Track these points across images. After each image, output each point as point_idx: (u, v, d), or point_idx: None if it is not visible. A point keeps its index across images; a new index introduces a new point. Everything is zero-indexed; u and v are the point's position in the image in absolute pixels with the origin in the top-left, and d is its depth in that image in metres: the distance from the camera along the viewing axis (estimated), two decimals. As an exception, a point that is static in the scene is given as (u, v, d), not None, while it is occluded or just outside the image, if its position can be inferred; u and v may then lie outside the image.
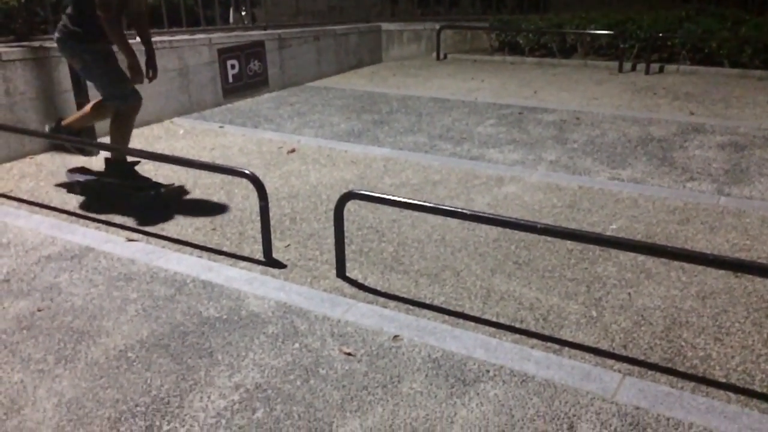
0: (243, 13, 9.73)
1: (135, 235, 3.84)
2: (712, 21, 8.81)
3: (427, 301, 3.12)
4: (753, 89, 7.48)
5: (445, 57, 10.14)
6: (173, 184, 4.61)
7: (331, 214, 3.33)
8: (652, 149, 5.38)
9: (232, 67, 7.42)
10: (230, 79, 7.41)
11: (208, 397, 2.43)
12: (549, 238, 3.64)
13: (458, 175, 4.87)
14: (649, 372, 2.57)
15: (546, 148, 5.52)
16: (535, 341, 2.79)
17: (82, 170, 4.66)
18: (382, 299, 3.14)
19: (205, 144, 5.76)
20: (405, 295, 3.17)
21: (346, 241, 3.42)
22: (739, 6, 9.88)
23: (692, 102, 6.94)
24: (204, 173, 4.81)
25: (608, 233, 3.80)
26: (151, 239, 3.80)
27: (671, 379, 2.52)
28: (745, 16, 8.95)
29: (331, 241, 3.41)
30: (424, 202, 3.48)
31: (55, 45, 4.37)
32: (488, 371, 2.58)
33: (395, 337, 2.81)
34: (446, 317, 2.99)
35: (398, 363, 2.63)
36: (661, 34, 8.72)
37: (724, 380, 2.51)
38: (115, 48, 4.16)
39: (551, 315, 2.98)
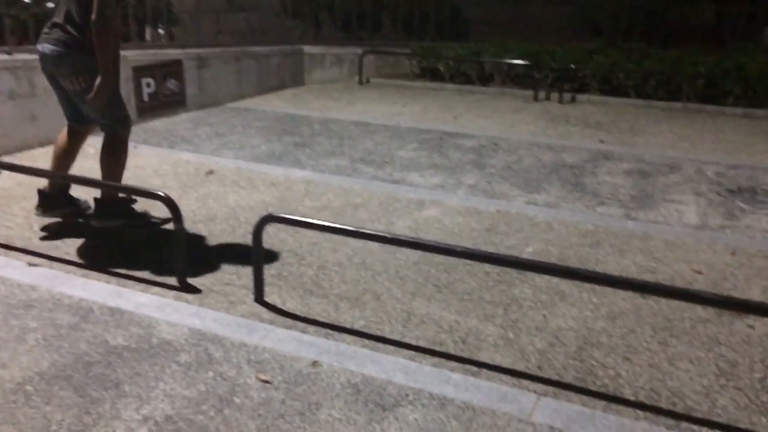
0: (160, 31, 9.51)
1: (37, 260, 3.63)
2: (619, 54, 9.29)
3: (347, 326, 3.09)
4: (657, 119, 7.91)
5: (368, 81, 10.23)
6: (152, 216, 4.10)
7: (250, 237, 3.26)
8: (565, 175, 5.58)
9: (148, 85, 7.21)
10: (145, 98, 7.19)
11: None
12: (468, 261, 3.68)
13: (379, 199, 4.89)
14: (563, 392, 2.62)
15: (465, 172, 5.62)
16: (454, 364, 2.80)
17: (56, 200, 3.97)
18: (301, 324, 3.09)
19: (118, 164, 5.54)
20: (325, 320, 3.13)
21: (264, 264, 3.35)
22: (643, 40, 10.46)
23: (602, 130, 7.27)
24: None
25: (524, 256, 3.89)
26: (55, 264, 3.60)
27: (584, 398, 2.59)
28: (649, 50, 9.48)
29: (249, 265, 3.33)
30: (345, 225, 3.45)
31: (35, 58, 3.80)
32: (407, 395, 2.56)
33: (314, 362, 2.76)
34: (366, 341, 2.96)
35: (317, 389, 2.58)
36: (573, 66, 9.11)
37: (633, 398, 2.59)
38: None
39: (470, 337, 3.01)
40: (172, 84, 7.52)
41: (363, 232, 3.17)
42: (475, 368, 2.77)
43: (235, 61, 8.72)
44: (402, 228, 4.31)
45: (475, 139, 6.76)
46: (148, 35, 9.65)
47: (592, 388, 2.66)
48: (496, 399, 2.56)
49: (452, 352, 2.89)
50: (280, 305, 3.25)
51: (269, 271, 3.54)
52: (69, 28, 3.56)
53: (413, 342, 2.96)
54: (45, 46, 3.63)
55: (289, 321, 3.10)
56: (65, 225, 4.04)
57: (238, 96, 8.74)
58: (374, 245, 3.92)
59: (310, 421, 2.39)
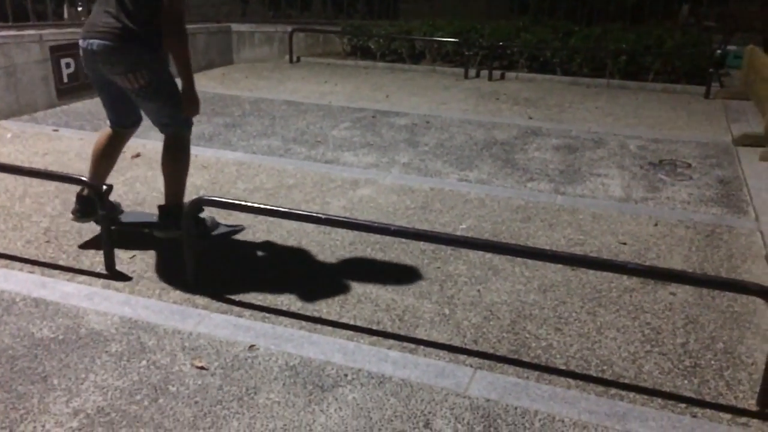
0: (79, 9, 9.07)
1: (-47, 252, 3.44)
2: (545, 31, 9.47)
3: (284, 308, 3.06)
4: (582, 95, 8.12)
5: (298, 60, 10.09)
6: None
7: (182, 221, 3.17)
8: (496, 152, 5.67)
9: (68, 65, 6.89)
10: (65, 79, 6.87)
11: (43, 427, 2.22)
12: (403, 240, 3.71)
13: (313, 179, 4.84)
14: (498, 364, 2.69)
15: (399, 151, 5.64)
16: (391, 342, 2.83)
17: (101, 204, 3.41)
18: (237, 308, 3.04)
19: (36, 149, 5.29)
20: (261, 303, 3.09)
21: (197, 249, 3.27)
22: (568, 18, 10.70)
23: (531, 107, 7.41)
24: (36, 181, 4.41)
25: (458, 233, 3.94)
26: (-27, 255, 3.42)
27: (518, 370, 2.65)
28: (574, 27, 9.71)
29: (180, 250, 3.25)
30: (279, 207, 3.41)
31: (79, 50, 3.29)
32: (346, 375, 2.57)
33: (251, 346, 2.73)
34: (304, 323, 2.94)
35: (254, 374, 2.55)
36: (501, 43, 9.23)
37: (564, 367, 2.68)
38: None
39: (407, 315, 3.04)
40: (92, 64, 7.19)
41: (297, 213, 3.14)
42: (412, 345, 2.80)
43: (159, 39, 8.41)
44: (337, 208, 4.29)
45: (408, 117, 6.77)
46: (66, 13, 9.19)
47: (526, 359, 2.73)
48: (434, 374, 2.59)
49: (390, 330, 2.91)
50: (214, 290, 3.19)
51: (203, 255, 3.46)
52: (121, 17, 3.08)
53: (351, 322, 2.97)
54: (92, 42, 3.13)
55: (224, 306, 3.05)
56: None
57: (164, 76, 8.45)
58: (309, 226, 3.89)
59: (249, 405, 2.37)
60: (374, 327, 2.93)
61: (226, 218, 3.79)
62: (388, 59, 10.07)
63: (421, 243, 3.70)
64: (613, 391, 2.53)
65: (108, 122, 3.55)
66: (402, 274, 3.42)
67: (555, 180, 4.98)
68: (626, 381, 2.60)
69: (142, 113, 3.48)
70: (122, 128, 3.54)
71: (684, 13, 11.82)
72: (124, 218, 3.73)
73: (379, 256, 3.62)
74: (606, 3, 11.32)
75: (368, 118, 6.71)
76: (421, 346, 2.80)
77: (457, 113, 7.04)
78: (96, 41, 3.13)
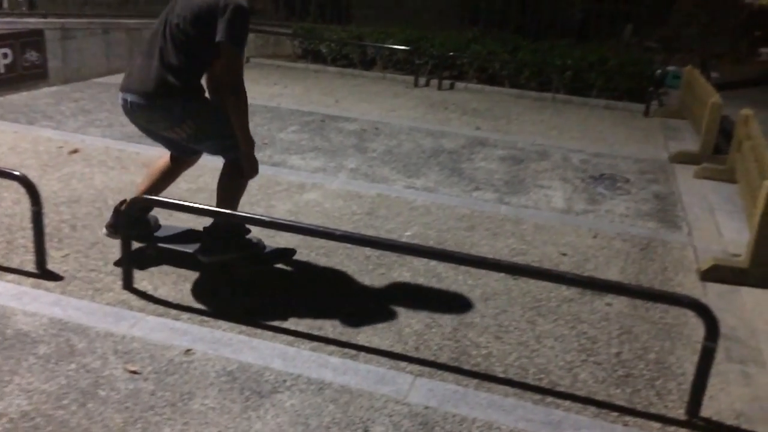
0: (19, -2, 8.75)
1: None
2: (495, 44, 9.63)
3: (224, 312, 3.00)
4: (529, 108, 8.28)
5: (248, 61, 9.96)
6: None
7: (117, 220, 3.07)
8: (443, 160, 5.72)
9: (4, 56, 6.62)
10: (1, 69, 6.60)
11: (-40, 433, 2.11)
12: (348, 245, 3.69)
13: (259, 182, 4.76)
14: (439, 372, 2.69)
15: (347, 156, 5.62)
16: (333, 348, 2.80)
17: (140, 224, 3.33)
18: (174, 311, 2.96)
19: (-33, 140, 5.06)
20: (200, 307, 3.02)
21: (135, 250, 3.18)
22: (517, 32, 10.91)
23: (478, 117, 7.51)
24: (-35, 174, 4.21)
25: (403, 240, 3.95)
26: None
27: (458, 377, 2.67)
28: (523, 41, 9.90)
29: (117, 250, 3.15)
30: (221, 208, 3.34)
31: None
32: (285, 381, 2.53)
33: (187, 351, 2.66)
34: (243, 328, 2.89)
35: (189, 379, 2.48)
36: (451, 53, 9.33)
37: (503, 375, 2.70)
38: None
39: (349, 321, 3.02)
40: (31, 55, 6.95)
41: (240, 215, 3.08)
42: (353, 351, 2.78)
43: (103, 33, 8.18)
44: (282, 211, 4.25)
45: (357, 123, 6.77)
46: (5, 2, 8.85)
47: (466, 367, 2.75)
48: (374, 381, 2.58)
49: (331, 336, 2.89)
50: (151, 292, 3.10)
51: (140, 256, 3.37)
52: (164, 71, 2.87)
53: (292, 327, 2.93)
54: (130, 97, 2.95)
55: (161, 308, 2.97)
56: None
57: (108, 71, 8.21)
58: (253, 229, 3.82)
59: (182, 411, 2.30)
60: (316, 332, 2.90)
61: (167, 219, 3.70)
62: (339, 64, 10.05)
63: (366, 249, 3.68)
64: (549, 399, 2.57)
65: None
66: (346, 280, 3.40)
67: (500, 190, 5.05)
68: (562, 389, 2.64)
69: None
70: (184, 158, 3.37)
71: (627, 33, 12.20)
72: (162, 233, 3.48)
73: (323, 261, 3.59)
74: (553, 20, 11.60)
75: (317, 122, 6.67)
76: (363, 353, 2.78)
77: (406, 121, 7.07)
78: (133, 97, 2.93)
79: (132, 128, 5.76)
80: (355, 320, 3.02)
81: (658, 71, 9.00)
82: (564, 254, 3.94)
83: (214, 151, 3.22)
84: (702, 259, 3.89)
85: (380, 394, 2.50)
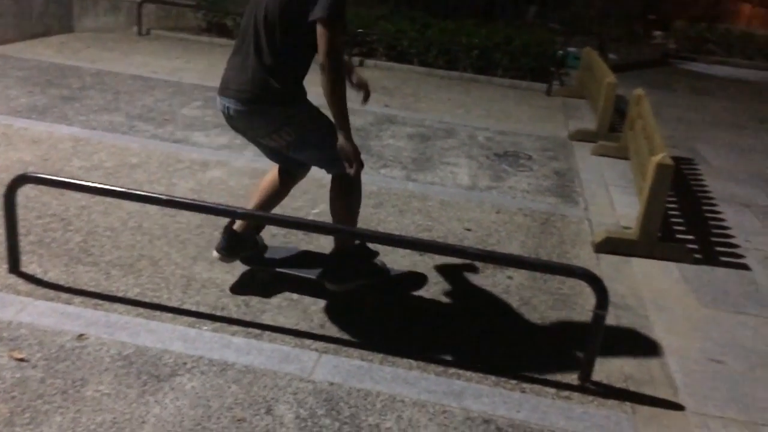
0: None
1: None
2: (404, 22, 9.64)
3: (120, 295, 2.88)
4: (437, 86, 8.37)
5: (148, 33, 9.53)
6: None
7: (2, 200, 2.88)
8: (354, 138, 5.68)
9: None
10: None
11: None
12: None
13: (159, 159, 4.60)
14: (344, 348, 2.70)
15: (252, 133, 5.49)
16: (236, 328, 2.75)
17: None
18: (65, 295, 2.81)
19: None
20: (94, 290, 2.89)
21: (22, 231, 2.99)
22: (426, 11, 10.97)
23: (387, 95, 7.52)
24: None
25: (310, 217, 3.91)
26: None
27: (363, 353, 2.68)
28: (432, 20, 9.96)
29: (1, 231, 2.95)
30: (118, 186, 3.19)
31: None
32: (185, 363, 2.46)
33: (80, 336, 2.53)
34: (142, 310, 2.79)
35: (82, 365, 2.37)
36: (360, 30, 9.28)
37: (407, 349, 2.74)
38: None
39: (253, 300, 2.97)
40: None
41: (137, 194, 2.95)
42: (258, 331, 2.74)
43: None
44: (184, 190, 4.11)
45: (264, 99, 6.61)
46: None
47: (371, 342, 2.76)
48: (278, 360, 2.55)
49: (235, 316, 2.83)
50: (40, 275, 2.93)
51: (27, 238, 3.18)
52: (260, 74, 2.61)
53: (193, 308, 2.85)
54: (227, 102, 2.70)
55: (51, 292, 2.81)
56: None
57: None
58: (152, 208, 3.69)
59: (74, 399, 2.20)
60: (218, 313, 2.83)
61: (58, 198, 3.49)
62: (245, 39, 9.78)
63: (273, 227, 3.63)
64: (452, 370, 2.63)
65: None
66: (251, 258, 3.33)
67: (407, 167, 5.09)
68: (464, 361, 2.70)
69: None
70: (293, 170, 3.10)
71: (531, 14, 12.53)
72: (272, 255, 3.28)
73: (227, 240, 3.50)
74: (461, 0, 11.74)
75: (222, 98, 6.47)
76: (267, 332, 2.74)
77: (314, 98, 6.96)
78: (231, 105, 2.69)
79: (20, 103, 5.43)
80: (259, 299, 2.98)
81: (560, 52, 9.30)
82: (468, 229, 4.03)
83: (317, 162, 2.95)
84: (596, 232, 4.08)
85: (284, 373, 2.48)
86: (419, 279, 3.32)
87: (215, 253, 2.98)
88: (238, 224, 2.98)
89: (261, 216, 3.01)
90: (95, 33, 9.29)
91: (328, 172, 2.94)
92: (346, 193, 2.93)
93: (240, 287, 3.05)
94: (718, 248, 4.09)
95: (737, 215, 4.68)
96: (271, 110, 2.68)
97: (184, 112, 5.84)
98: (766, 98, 9.95)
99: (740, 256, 3.99)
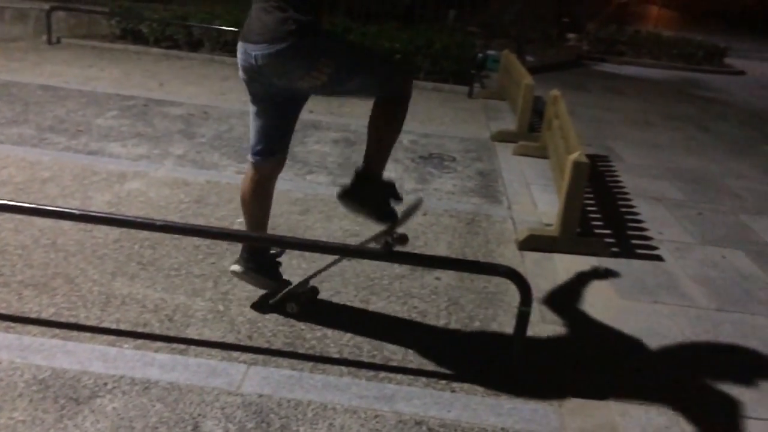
0: None
1: None
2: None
3: (34, 316, 2.74)
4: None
5: (59, 41, 9.15)
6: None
7: None
8: (275, 144, 5.62)
9: None
10: None
11: None
12: (176, 236, 3.52)
13: (73, 172, 4.41)
14: (273, 358, 2.65)
15: (173, 142, 5.35)
16: (159, 344, 2.66)
17: None
18: (-28, 319, 2.65)
19: None
20: (5, 311, 2.73)
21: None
22: (347, 15, 10.99)
23: (311, 101, 7.43)
24: None
25: (235, 227, 3.84)
26: None
27: (293, 362, 2.65)
28: (352, 24, 9.99)
29: None
30: (28, 203, 3.04)
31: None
32: (106, 384, 2.36)
33: (-10, 362, 2.39)
34: (57, 331, 2.66)
35: (-7, 392, 2.24)
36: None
37: (338, 356, 2.73)
38: None
39: (177, 314, 2.88)
40: None
41: (49, 210, 2.81)
42: (182, 346, 2.66)
43: None
44: (101, 203, 3.95)
45: (184, 107, 6.47)
46: None
47: (301, 351, 2.73)
48: (205, 375, 2.49)
49: (158, 332, 2.74)
50: (-56, 300, 2.75)
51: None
52: (281, 10, 2.41)
53: (113, 326, 2.74)
54: (254, 49, 2.46)
55: (-44, 317, 2.65)
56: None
57: None
58: (67, 224, 3.53)
59: (-15, 429, 2.07)
60: (140, 330, 2.74)
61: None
62: (162, 45, 9.54)
63: (196, 238, 3.54)
64: (382, 374, 2.63)
65: (251, 159, 2.86)
66: (173, 272, 3.24)
67: (333, 173, 5.07)
68: (395, 364, 2.71)
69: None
70: (272, 158, 2.86)
71: (451, 18, 12.75)
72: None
73: (148, 253, 3.39)
74: (381, 4, 11.82)
75: (139, 107, 6.28)
76: (192, 346, 2.67)
77: (237, 104, 6.87)
78: (258, 51, 2.45)
79: None
80: (183, 313, 2.89)
81: (479, 55, 9.51)
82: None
83: (367, 88, 2.66)
84: (519, 230, 4.18)
85: (211, 388, 2.42)
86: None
87: (235, 267, 2.89)
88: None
89: (185, 228, 2.93)
90: (1, 42, 8.84)
91: (381, 93, 2.65)
92: (398, 118, 2.71)
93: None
94: (634, 241, 4.27)
95: (650, 209, 4.90)
96: (303, 44, 2.44)
97: (99, 122, 5.63)
98: (673, 96, 10.49)
99: (654, 248, 4.17)
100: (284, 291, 2.96)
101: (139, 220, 2.84)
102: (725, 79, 13.12)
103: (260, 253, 2.93)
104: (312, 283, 3.09)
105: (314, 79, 2.51)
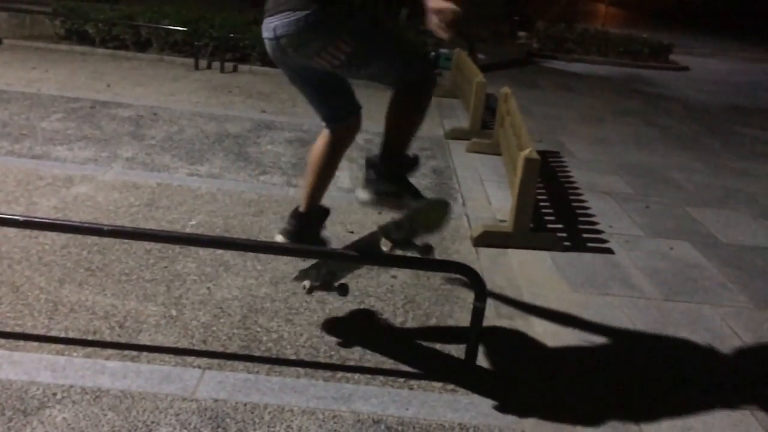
0: None
1: None
2: (277, 26, 9.53)
3: (-24, 327, 2.64)
4: (314, 90, 8.35)
5: (0, 42, 8.85)
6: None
7: None
8: (228, 145, 5.56)
9: None
10: None
11: None
12: (126, 240, 3.44)
13: (17, 177, 4.27)
14: (228, 362, 2.62)
15: (122, 144, 5.24)
16: (110, 351, 2.60)
17: None
18: None
19: None
20: (-55, 323, 2.63)
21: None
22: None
23: (264, 100, 7.41)
24: None
25: (187, 230, 3.78)
26: None
27: (248, 365, 2.62)
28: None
29: None
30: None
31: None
32: (55, 394, 2.30)
33: (-70, 376, 2.30)
34: (3, 341, 2.57)
35: (-66, 408, 2.16)
36: (232, 35, 9.09)
37: (294, 357, 2.71)
38: None
39: (128, 321, 2.82)
40: None
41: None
42: (134, 352, 2.60)
43: None
44: (46, 209, 3.84)
45: (132, 109, 6.33)
46: None
47: (257, 353, 2.70)
48: (158, 381, 2.44)
49: (108, 339, 2.68)
50: None
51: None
52: None
53: (62, 334, 2.67)
54: (275, 21, 2.33)
55: None
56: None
57: None
58: (11, 230, 3.41)
59: (-75, 447, 1.99)
60: (90, 337, 2.67)
61: None
62: (109, 46, 9.32)
63: (147, 242, 3.47)
64: (340, 374, 2.62)
65: (323, 123, 2.71)
66: (123, 278, 3.17)
67: (288, 173, 5.04)
68: (352, 363, 2.71)
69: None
70: (341, 123, 2.69)
71: (403, 18, 12.78)
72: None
73: (98, 259, 3.31)
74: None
75: (86, 109, 6.12)
76: (145, 353, 2.61)
77: (187, 105, 6.76)
78: (278, 22, 2.32)
79: None
80: (135, 319, 2.83)
81: (432, 53, 9.55)
82: (351, 232, 4.04)
83: (388, 72, 2.48)
84: (474, 226, 4.22)
85: (165, 394, 2.37)
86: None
87: (279, 236, 2.77)
88: (303, 206, 2.76)
89: (134, 233, 2.87)
90: (-63, 43, 8.52)
91: (404, 77, 2.49)
92: (421, 106, 2.55)
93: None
94: (585, 235, 4.35)
95: (600, 203, 5.01)
96: (323, 16, 2.30)
97: (44, 125, 5.47)
98: (621, 92, 10.75)
99: (604, 241, 4.26)
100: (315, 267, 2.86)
101: (86, 225, 2.77)
102: (670, 75, 13.49)
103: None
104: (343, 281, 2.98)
105: (331, 57, 2.37)
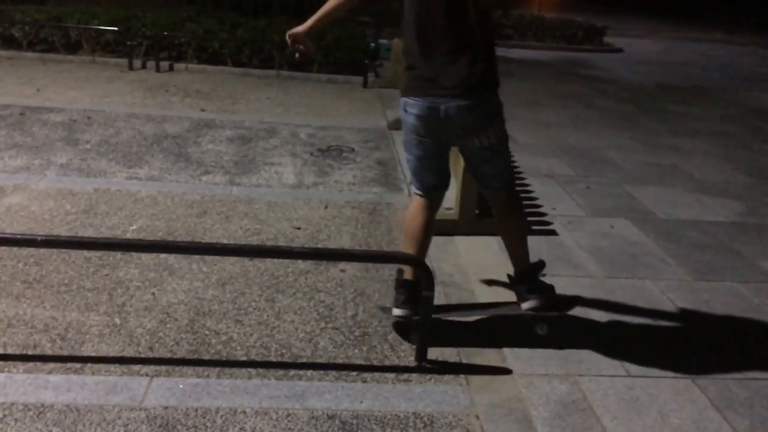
0: None
1: None
2: (212, 22, 9.37)
3: None
4: (254, 86, 8.24)
5: None
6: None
7: None
8: (168, 146, 5.44)
9: None
10: None
11: None
12: (64, 249, 3.33)
13: (-57, 190, 4.08)
14: (177, 368, 2.57)
15: (55, 150, 5.06)
16: (52, 365, 2.52)
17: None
18: None
19: None
20: None
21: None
22: (234, 10, 10.75)
23: (202, 99, 7.27)
24: None
25: (128, 235, 3.68)
26: None
27: (198, 370, 2.57)
28: (241, 19, 9.77)
29: None
30: None
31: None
32: (-5, 414, 2.21)
33: None
34: (-65, 363, 2.46)
35: None
36: (166, 33, 8.87)
37: (245, 358, 2.67)
38: None
39: (70, 332, 2.73)
40: None
41: None
42: (78, 365, 2.53)
43: None
44: (-23, 221, 3.68)
45: (65, 113, 6.13)
46: None
47: (206, 357, 2.66)
48: (104, 392, 2.38)
49: (50, 352, 2.59)
50: None
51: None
52: (469, 58, 2.47)
53: (0, 351, 2.56)
54: (444, 103, 2.53)
55: None
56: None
57: None
58: (-61, 246, 3.26)
59: None
60: (30, 352, 2.58)
61: None
62: (37, 49, 8.98)
63: (86, 251, 3.36)
64: (292, 372, 2.60)
65: (418, 191, 2.91)
66: (63, 288, 3.07)
67: (230, 172, 4.96)
68: (304, 360, 2.69)
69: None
70: (437, 192, 2.91)
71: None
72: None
73: (34, 270, 3.20)
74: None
75: (15, 116, 5.89)
76: (89, 364, 2.54)
77: (122, 107, 6.58)
78: (450, 103, 2.51)
79: None
80: (77, 330, 2.75)
81: (372, 44, 9.54)
82: (298, 228, 4.01)
83: (492, 181, 2.79)
84: (421, 216, 4.23)
85: (112, 405, 2.31)
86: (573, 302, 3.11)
87: (397, 311, 2.83)
88: (407, 272, 2.87)
89: (71, 242, 2.78)
90: None
91: (502, 185, 2.82)
92: (520, 208, 2.90)
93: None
94: (530, 218, 4.42)
95: (543, 186, 5.10)
96: (491, 96, 2.60)
97: (-30, 134, 5.24)
98: (559, 76, 10.96)
99: (548, 223, 4.35)
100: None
101: (19, 236, 2.66)
102: (606, 57, 13.83)
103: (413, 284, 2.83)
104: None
105: (485, 139, 2.61)
